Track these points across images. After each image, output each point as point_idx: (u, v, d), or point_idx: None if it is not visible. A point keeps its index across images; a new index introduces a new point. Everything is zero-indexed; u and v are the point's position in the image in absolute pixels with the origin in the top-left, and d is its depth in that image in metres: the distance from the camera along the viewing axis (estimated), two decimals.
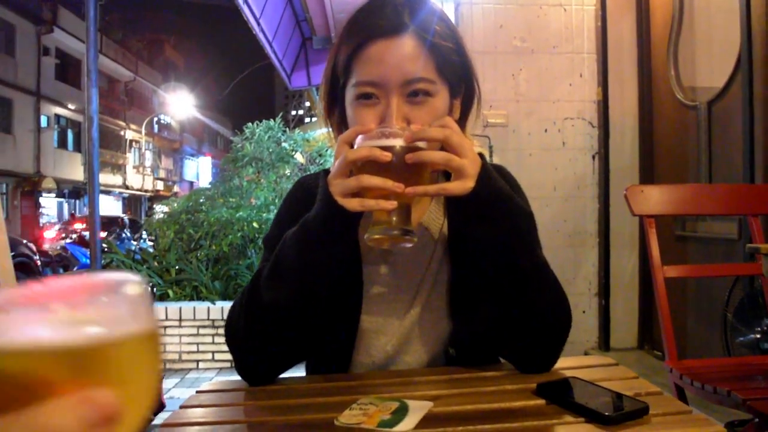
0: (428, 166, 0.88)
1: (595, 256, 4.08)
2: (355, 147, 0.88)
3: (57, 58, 23.74)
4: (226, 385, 1.03)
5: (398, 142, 0.85)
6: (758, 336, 2.45)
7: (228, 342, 1.00)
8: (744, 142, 2.91)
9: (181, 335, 4.34)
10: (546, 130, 4.04)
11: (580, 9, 4.03)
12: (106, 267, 4.74)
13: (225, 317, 1.03)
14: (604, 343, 4.03)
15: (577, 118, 4.05)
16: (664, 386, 0.89)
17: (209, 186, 8.40)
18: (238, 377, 1.01)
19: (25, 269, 6.96)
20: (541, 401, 0.85)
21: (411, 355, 1.08)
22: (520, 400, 0.86)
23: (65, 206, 25.77)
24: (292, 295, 0.94)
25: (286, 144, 6.15)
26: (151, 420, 1.12)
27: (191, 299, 4.51)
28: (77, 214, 23.08)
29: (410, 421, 0.77)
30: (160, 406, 2.63)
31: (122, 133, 30.37)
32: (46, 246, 10.22)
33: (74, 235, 13.02)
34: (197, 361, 4.39)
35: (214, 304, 4.38)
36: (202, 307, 4.32)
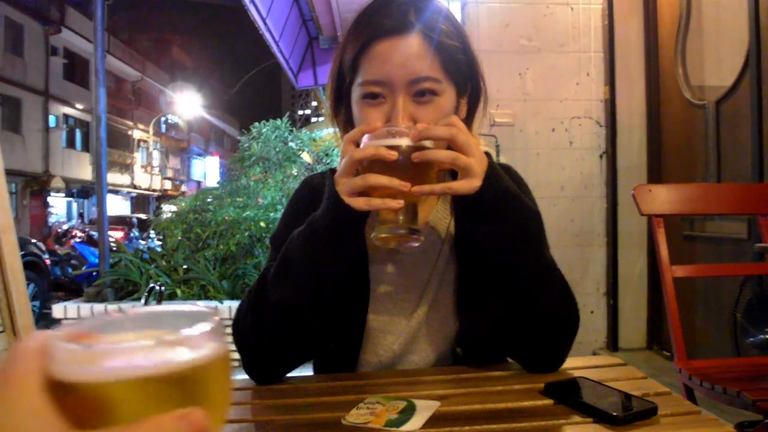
0: (435, 165, 0.87)
1: (603, 256, 4.07)
2: (361, 146, 0.88)
3: (65, 58, 23.85)
4: (233, 384, 1.03)
5: (404, 141, 0.85)
6: None
7: (235, 341, 1.00)
8: (753, 141, 2.89)
9: None
10: (553, 130, 4.03)
11: (587, 7, 4.02)
12: (114, 266, 4.75)
13: (232, 316, 1.03)
14: (613, 344, 4.02)
15: (584, 117, 4.04)
16: (673, 387, 0.89)
17: (216, 185, 8.42)
18: (245, 376, 1.01)
19: (34, 268, 6.99)
20: (548, 401, 0.84)
21: (418, 355, 1.08)
22: (527, 400, 0.85)
23: (74, 206, 25.89)
24: (299, 294, 0.94)
25: (293, 143, 6.15)
26: None
27: (199, 298, 4.52)
28: (86, 214, 23.21)
29: (417, 420, 0.77)
30: None
31: (130, 132, 30.48)
32: (55, 245, 10.26)
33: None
34: None
35: (222, 303, 4.39)
36: (209, 306, 4.33)
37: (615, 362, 1.03)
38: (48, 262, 7.69)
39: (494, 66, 3.93)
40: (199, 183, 37.87)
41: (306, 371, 1.10)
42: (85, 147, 25.43)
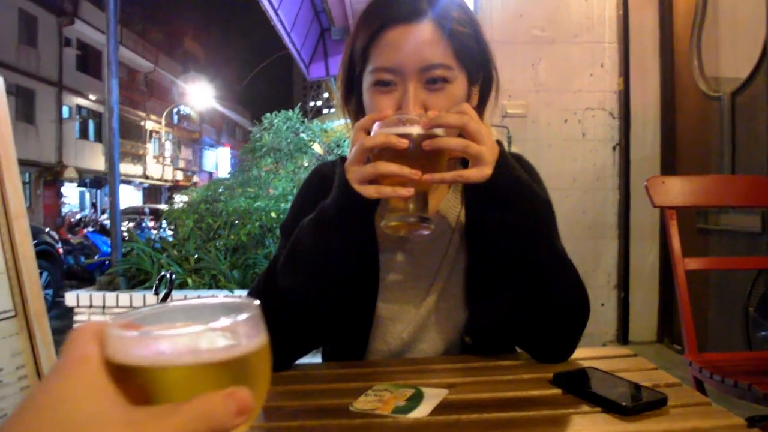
0: (445, 153, 0.86)
1: (614, 249, 4.04)
2: (372, 134, 0.87)
3: (78, 49, 23.99)
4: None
5: (415, 129, 0.84)
6: None
7: None
8: None
9: None
10: (566, 121, 4.00)
11: None
12: (126, 255, 4.79)
13: None
14: (623, 336, 4.00)
15: (597, 108, 4.01)
16: (683, 381, 0.88)
17: (228, 176, 8.44)
18: None
19: (47, 257, 7.06)
20: (557, 391, 0.84)
21: (427, 343, 1.08)
22: (536, 389, 0.85)
23: (87, 195, 26.10)
24: (308, 281, 0.94)
25: (304, 134, 6.15)
26: None
27: (210, 288, 4.54)
28: (98, 204, 23.39)
29: (425, 408, 0.77)
30: None
31: (142, 123, 30.64)
32: (68, 234, 10.36)
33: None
34: None
35: (233, 292, 4.41)
36: (220, 295, 4.36)
37: (625, 353, 1.03)
38: (61, 251, 7.76)
39: (507, 57, 3.90)
40: (210, 174, 38.04)
41: (315, 359, 1.10)
42: (98, 137, 25.61)
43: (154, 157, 32.30)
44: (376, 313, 1.07)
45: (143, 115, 30.64)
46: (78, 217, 13.51)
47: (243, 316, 0.37)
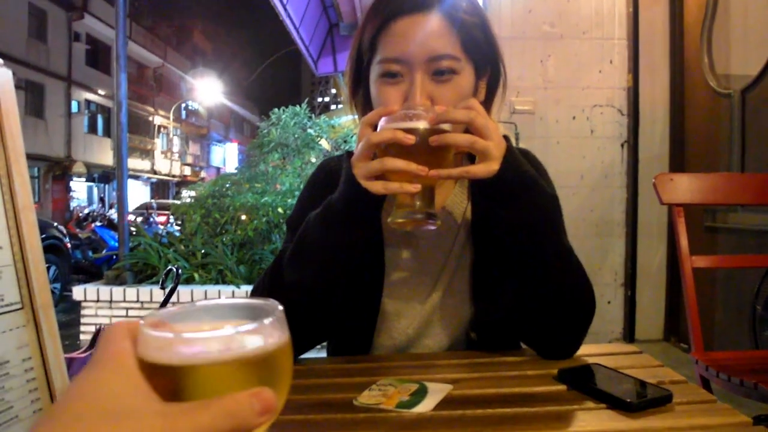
0: (452, 149, 0.86)
1: (622, 246, 4.03)
2: (379, 129, 0.87)
3: (87, 44, 24.08)
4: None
5: (422, 125, 0.83)
6: None
7: None
8: None
9: None
10: (574, 118, 3.98)
11: None
12: (133, 250, 4.81)
13: None
14: (629, 334, 3.99)
15: (606, 105, 3.99)
16: (689, 379, 0.88)
17: (235, 171, 8.47)
18: None
19: (55, 251, 7.10)
20: (562, 387, 0.84)
21: (432, 339, 1.08)
22: (540, 385, 0.85)
23: (95, 190, 26.22)
24: (314, 276, 0.94)
25: (312, 130, 6.15)
26: None
27: (216, 283, 4.56)
28: (106, 199, 23.49)
29: (429, 402, 0.77)
30: None
31: (151, 118, 30.75)
32: (76, 229, 10.40)
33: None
34: None
35: (239, 287, 4.43)
36: (227, 290, 4.36)
37: (630, 350, 1.02)
38: (69, 245, 7.79)
39: (516, 53, 3.88)
40: (218, 169, 38.15)
41: (320, 354, 1.10)
42: (107, 132, 25.71)
43: (162, 153, 32.40)
44: (381, 309, 1.07)
45: (152, 110, 30.74)
46: (86, 211, 13.55)
47: (269, 320, 0.39)
